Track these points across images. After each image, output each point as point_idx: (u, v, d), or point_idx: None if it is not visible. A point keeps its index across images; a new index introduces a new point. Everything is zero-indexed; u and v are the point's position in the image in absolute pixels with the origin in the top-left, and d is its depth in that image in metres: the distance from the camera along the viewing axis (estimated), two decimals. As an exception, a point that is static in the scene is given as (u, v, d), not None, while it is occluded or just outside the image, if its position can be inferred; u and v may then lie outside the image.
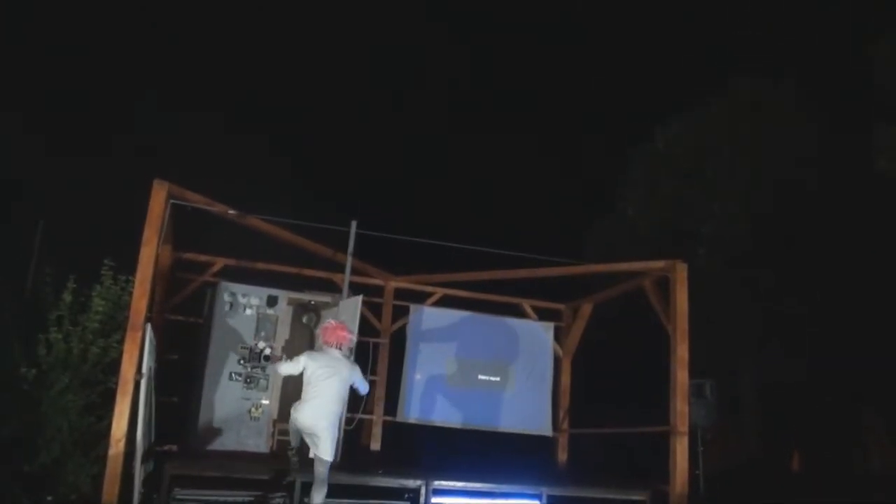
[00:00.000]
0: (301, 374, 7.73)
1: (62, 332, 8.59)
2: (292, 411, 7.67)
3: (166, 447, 9.26)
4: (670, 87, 15.75)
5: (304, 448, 7.81)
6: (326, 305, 10.42)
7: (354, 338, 8.38)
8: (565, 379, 12.13)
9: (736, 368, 12.32)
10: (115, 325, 8.86)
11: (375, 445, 11.17)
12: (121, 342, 8.29)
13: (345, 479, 8.08)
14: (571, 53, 18.08)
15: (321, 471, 7.49)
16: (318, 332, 8.47)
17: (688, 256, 10.23)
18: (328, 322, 8.21)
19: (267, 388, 9.90)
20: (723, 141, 14.04)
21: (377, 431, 11.21)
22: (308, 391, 7.64)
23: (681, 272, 9.76)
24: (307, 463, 7.71)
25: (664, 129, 14.82)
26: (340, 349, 7.87)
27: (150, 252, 8.21)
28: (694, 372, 9.60)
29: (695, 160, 14.17)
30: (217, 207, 9.12)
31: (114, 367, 8.37)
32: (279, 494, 8.15)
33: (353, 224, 9.51)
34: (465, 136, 17.29)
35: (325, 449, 7.47)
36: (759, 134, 13.96)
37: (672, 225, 13.93)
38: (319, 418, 7.52)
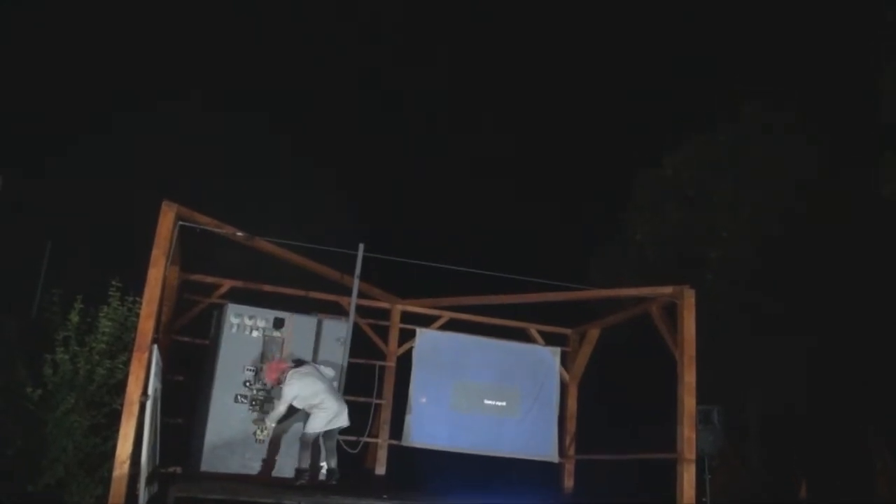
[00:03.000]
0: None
1: (69, 353, 8.59)
2: (306, 430, 7.94)
3: (171, 469, 9.22)
4: (677, 112, 15.79)
5: (312, 470, 7.86)
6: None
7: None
8: (572, 404, 12.08)
9: (742, 395, 12.23)
10: (122, 346, 8.86)
11: (380, 470, 11.10)
12: (127, 363, 8.30)
13: (349, 502, 8.01)
14: (575, 78, 18.14)
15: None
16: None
17: (695, 282, 10.21)
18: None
19: (272, 410, 9.84)
20: (730, 166, 14.05)
21: (382, 455, 11.15)
22: (313, 403, 8.59)
23: (688, 298, 9.74)
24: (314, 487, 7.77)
25: (670, 154, 14.85)
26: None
27: (157, 273, 8.21)
28: (701, 398, 9.55)
29: (701, 185, 14.18)
30: (225, 229, 9.14)
31: (120, 389, 8.37)
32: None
33: (361, 247, 9.52)
34: (471, 160, 17.34)
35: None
36: (765, 159, 13.97)
37: (679, 250, 13.91)
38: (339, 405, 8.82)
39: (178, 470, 9.39)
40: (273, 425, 8.91)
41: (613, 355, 12.13)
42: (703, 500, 9.51)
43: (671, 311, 9.97)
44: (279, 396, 8.86)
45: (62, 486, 8.24)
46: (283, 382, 8.79)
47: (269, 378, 8.96)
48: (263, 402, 9.78)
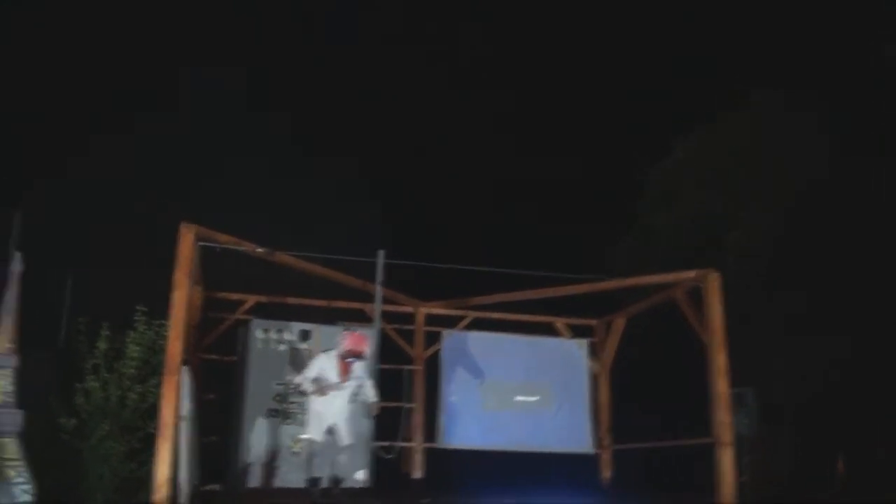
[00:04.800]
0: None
1: (99, 380, 8.62)
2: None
3: (209, 487, 9.26)
4: (691, 97, 15.63)
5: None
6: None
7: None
8: (604, 395, 12.03)
9: (774, 375, 12.13)
10: (151, 370, 8.89)
11: (418, 473, 11.11)
12: (158, 386, 8.31)
13: (392, 508, 8.03)
14: (588, 65, 18.02)
15: None
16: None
17: (717, 266, 10.15)
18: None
19: (305, 423, 9.88)
20: (745, 150, 13.92)
21: (419, 459, 11.16)
22: None
23: (713, 282, 9.68)
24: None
25: (685, 140, 14.75)
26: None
27: (181, 295, 8.24)
28: (733, 381, 9.49)
29: (718, 170, 14.07)
30: (245, 246, 9.16)
31: (153, 412, 8.38)
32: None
33: (381, 254, 9.50)
34: (484, 158, 17.28)
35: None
36: (781, 143, 13.83)
37: (699, 235, 13.81)
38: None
39: (217, 488, 9.45)
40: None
41: (642, 343, 12.06)
42: (742, 478, 9.43)
43: (696, 296, 9.91)
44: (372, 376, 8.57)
45: (101, 514, 8.29)
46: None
47: (364, 348, 8.21)
48: (297, 414, 9.84)
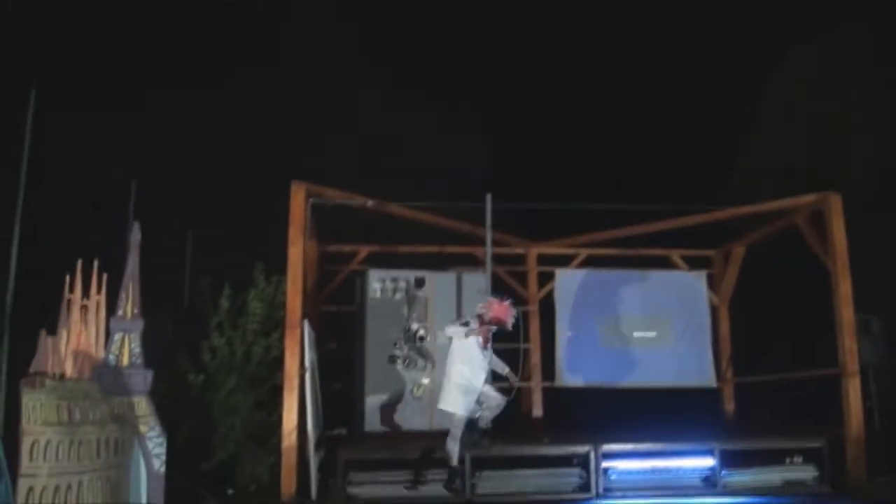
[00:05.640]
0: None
1: (224, 337, 8.98)
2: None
3: (335, 432, 9.60)
4: (798, 16, 14.73)
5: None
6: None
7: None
8: (724, 327, 11.79)
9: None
10: (273, 324, 9.18)
11: (537, 412, 11.21)
12: (281, 339, 8.62)
13: (512, 450, 8.12)
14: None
15: None
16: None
17: (840, 187, 9.68)
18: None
19: (426, 368, 10.11)
20: (862, 59, 13.09)
21: (537, 398, 11.25)
22: None
23: (835, 204, 9.26)
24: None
25: (794, 63, 13.99)
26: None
27: (297, 252, 8.49)
28: (859, 308, 9.12)
29: (829, 94, 13.30)
30: (355, 199, 9.31)
31: (277, 364, 8.72)
32: (450, 470, 8.28)
33: (489, 197, 9.47)
34: (591, 93, 16.86)
35: None
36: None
37: (821, 155, 13.16)
38: None
39: (343, 432, 9.80)
40: None
41: (763, 272, 11.68)
42: (868, 404, 9.11)
43: (818, 221, 9.51)
44: None
45: (235, 460, 8.69)
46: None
47: (510, 319, 7.90)
48: (418, 359, 10.07)
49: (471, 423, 7.81)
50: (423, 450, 8.36)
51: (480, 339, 7.71)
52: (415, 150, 14.65)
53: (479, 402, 7.68)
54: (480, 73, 16.25)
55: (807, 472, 8.77)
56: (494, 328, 7.84)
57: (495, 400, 7.79)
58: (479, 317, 7.77)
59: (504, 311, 7.81)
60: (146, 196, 9.76)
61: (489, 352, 7.82)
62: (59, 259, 7.48)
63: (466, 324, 7.73)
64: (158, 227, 8.30)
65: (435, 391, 9.99)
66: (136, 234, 7.58)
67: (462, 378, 7.62)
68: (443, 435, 7.96)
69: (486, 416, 7.82)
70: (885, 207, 11.64)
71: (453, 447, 7.63)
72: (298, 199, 8.57)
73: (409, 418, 10.03)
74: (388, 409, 9.97)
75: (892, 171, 11.92)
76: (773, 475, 8.74)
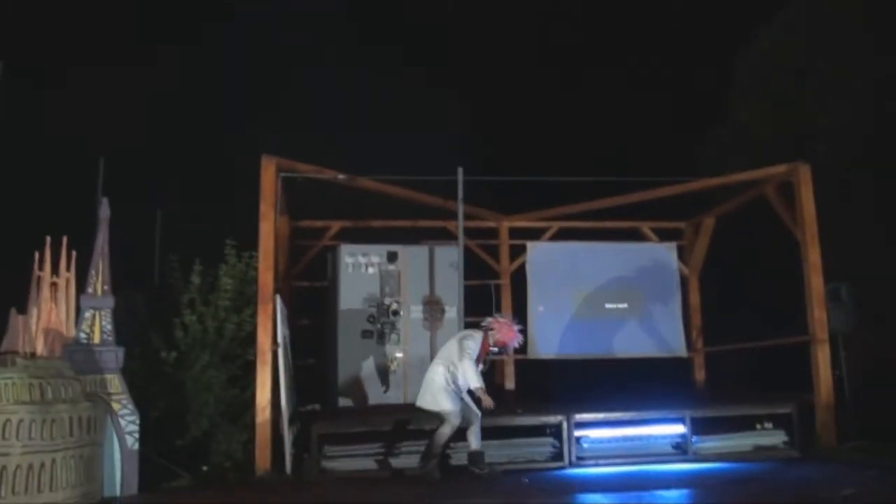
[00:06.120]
0: None
1: (196, 314, 8.93)
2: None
3: (310, 408, 9.62)
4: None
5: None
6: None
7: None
8: (694, 297, 11.91)
9: (869, 270, 11.69)
10: (245, 300, 9.13)
11: (510, 385, 11.29)
12: (253, 315, 8.60)
13: (486, 421, 8.18)
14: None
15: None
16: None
17: (808, 157, 9.78)
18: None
19: (399, 342, 10.14)
20: (832, 33, 13.17)
21: (510, 371, 11.32)
22: None
23: (804, 174, 9.37)
24: None
25: (769, 30, 14.04)
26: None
27: (268, 226, 8.45)
28: (828, 277, 9.26)
29: (805, 56, 13.38)
30: (326, 174, 9.28)
31: (250, 340, 8.69)
32: (424, 442, 8.34)
33: (460, 171, 9.47)
34: (562, 64, 16.85)
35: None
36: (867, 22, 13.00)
37: (789, 125, 13.25)
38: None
39: (317, 407, 9.82)
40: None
41: (732, 243, 11.80)
42: (836, 372, 9.26)
43: (787, 191, 9.62)
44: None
45: (208, 437, 8.67)
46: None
47: (512, 343, 8.27)
48: (390, 334, 10.10)
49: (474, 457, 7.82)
50: (398, 422, 8.42)
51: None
52: (388, 125, 14.62)
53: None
54: (454, 46, 16.21)
55: (777, 438, 8.95)
56: (495, 349, 8.14)
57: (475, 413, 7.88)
58: (485, 331, 7.99)
59: (511, 337, 8.08)
60: (114, 173, 9.65)
61: (480, 366, 7.92)
62: (27, 236, 7.40)
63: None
64: (127, 204, 8.21)
65: (408, 364, 10.11)
66: (105, 210, 7.50)
67: (448, 385, 7.77)
68: (415, 409, 8.00)
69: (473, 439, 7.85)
70: (855, 175, 11.79)
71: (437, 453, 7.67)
72: (269, 174, 8.52)
73: (384, 394, 10.05)
74: (361, 384, 9.99)
75: (863, 138, 12.06)
76: (743, 441, 8.91)
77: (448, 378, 7.78)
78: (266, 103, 14.07)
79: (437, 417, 7.78)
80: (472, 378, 7.71)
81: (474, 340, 7.89)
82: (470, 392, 7.91)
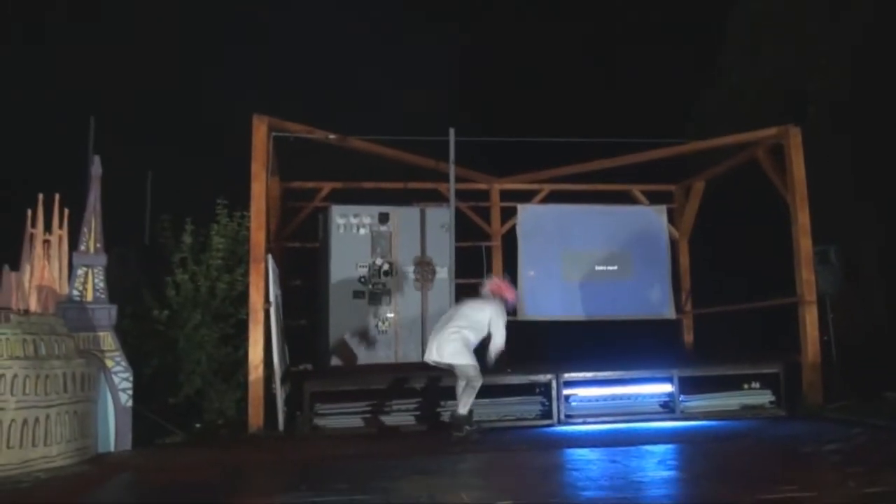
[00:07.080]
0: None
1: (188, 273, 8.96)
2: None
3: (301, 367, 9.70)
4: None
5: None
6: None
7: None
8: (684, 260, 11.98)
9: (858, 233, 11.78)
10: (237, 260, 9.17)
11: (501, 345, 11.36)
12: (245, 275, 8.65)
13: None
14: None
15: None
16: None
17: (799, 118, 9.81)
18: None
19: (390, 302, 10.20)
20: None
21: (501, 332, 11.38)
22: None
23: (794, 137, 9.40)
24: None
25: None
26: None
27: (260, 186, 8.47)
28: (817, 239, 9.33)
29: (795, 16, 13.33)
30: (317, 134, 9.27)
31: (242, 300, 8.75)
32: (415, 401, 8.47)
33: (452, 132, 9.48)
34: (554, 27, 16.78)
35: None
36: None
37: (780, 86, 13.25)
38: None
39: (309, 367, 9.90)
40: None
41: (722, 206, 11.86)
42: (825, 338, 9.38)
43: (778, 154, 9.66)
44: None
45: (201, 395, 8.75)
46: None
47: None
48: (381, 294, 10.16)
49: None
50: (389, 381, 8.52)
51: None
52: (378, 85, 14.56)
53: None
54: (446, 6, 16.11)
55: (763, 397, 9.10)
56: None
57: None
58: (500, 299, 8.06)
59: (513, 299, 8.36)
60: (105, 131, 9.62)
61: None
62: (20, 193, 7.40)
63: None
64: (118, 162, 8.20)
65: (399, 324, 10.19)
66: (96, 168, 7.51)
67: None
68: (408, 367, 8.08)
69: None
70: (842, 138, 11.83)
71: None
72: (260, 133, 8.52)
73: (375, 352, 10.13)
74: (353, 344, 10.06)
75: (847, 102, 12.09)
76: (730, 400, 9.06)
77: (473, 341, 7.78)
78: (258, 60, 13.99)
79: (454, 374, 7.77)
80: (502, 344, 7.80)
81: (503, 311, 7.93)
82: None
